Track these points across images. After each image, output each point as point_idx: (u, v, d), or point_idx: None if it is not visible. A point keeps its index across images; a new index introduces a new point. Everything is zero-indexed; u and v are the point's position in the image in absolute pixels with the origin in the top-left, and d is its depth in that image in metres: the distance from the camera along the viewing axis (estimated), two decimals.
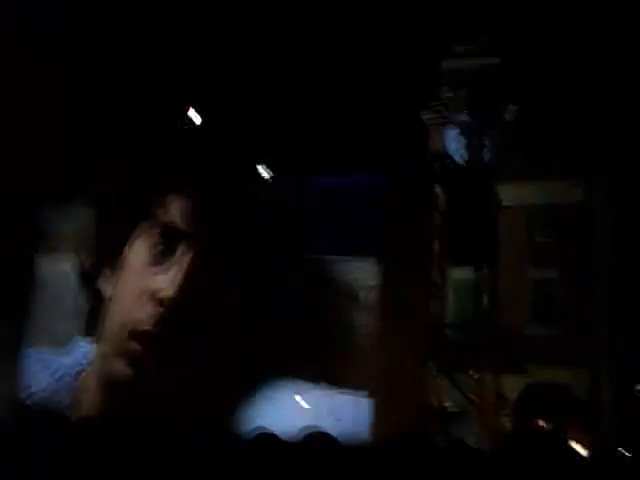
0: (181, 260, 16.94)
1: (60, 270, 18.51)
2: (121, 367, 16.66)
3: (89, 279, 17.59)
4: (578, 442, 16.01)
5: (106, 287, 17.37)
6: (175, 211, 17.08)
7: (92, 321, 17.56)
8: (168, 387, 16.03)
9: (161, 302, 16.49)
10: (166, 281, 16.73)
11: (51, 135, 16.97)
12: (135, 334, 16.58)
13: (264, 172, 18.88)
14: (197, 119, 18.60)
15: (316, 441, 3.82)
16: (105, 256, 17.46)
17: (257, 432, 4.05)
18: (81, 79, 17.03)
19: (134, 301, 16.75)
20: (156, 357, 16.50)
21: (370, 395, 17.04)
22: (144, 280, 16.88)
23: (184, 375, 16.23)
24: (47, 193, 18.02)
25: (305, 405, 17.20)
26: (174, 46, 17.33)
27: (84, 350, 17.69)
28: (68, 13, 16.95)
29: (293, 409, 16.86)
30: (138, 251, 17.16)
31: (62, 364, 17.77)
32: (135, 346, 16.58)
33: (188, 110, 18.59)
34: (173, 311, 16.51)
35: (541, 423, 21.58)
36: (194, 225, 17.00)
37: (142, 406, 14.91)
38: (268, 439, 4.01)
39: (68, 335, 18.12)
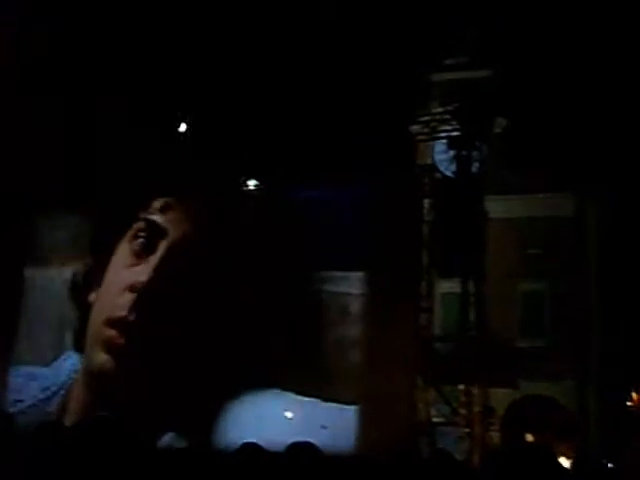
0: (158, 254, 17.13)
1: (49, 285, 18.49)
2: (98, 355, 16.77)
3: (81, 292, 17.65)
4: (565, 454, 16.00)
5: (94, 296, 17.47)
6: (155, 208, 17.25)
7: (81, 334, 17.58)
8: (147, 374, 16.06)
9: (134, 289, 16.67)
10: (142, 272, 16.92)
11: (43, 147, 16.94)
12: (110, 322, 16.74)
13: (250, 182, 18.90)
14: (184, 125, 18.61)
15: (299, 451, 3.80)
16: (96, 270, 17.56)
17: (242, 444, 4.03)
18: (74, 93, 16.99)
19: (114, 295, 16.94)
20: (132, 343, 16.59)
21: (357, 406, 17.01)
22: (124, 276, 17.06)
23: (163, 368, 16.27)
24: (37, 207, 17.99)
25: (292, 415, 17.14)
26: (164, 54, 17.32)
27: (73, 363, 17.69)
28: (64, 20, 16.94)
29: (280, 419, 16.81)
30: (121, 252, 17.32)
31: (52, 378, 17.78)
32: (110, 332, 16.70)
33: (178, 117, 18.60)
34: (147, 297, 16.65)
35: (529, 436, 21.57)
36: (172, 221, 17.17)
37: (123, 401, 14.91)
38: (252, 450, 3.99)
39: (57, 349, 18.12)
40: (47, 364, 18.02)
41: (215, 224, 17.48)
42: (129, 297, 16.75)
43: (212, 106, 17.81)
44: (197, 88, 17.73)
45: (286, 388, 17.43)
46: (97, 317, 17.16)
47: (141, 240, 17.17)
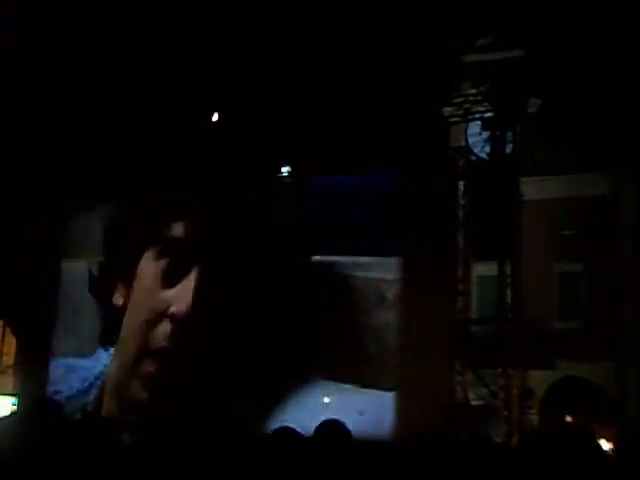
0: (189, 275, 16.94)
1: (86, 279, 18.59)
2: (137, 390, 16.73)
3: (103, 291, 17.63)
4: (605, 436, 15.91)
5: (119, 299, 17.40)
6: (180, 227, 17.05)
7: (108, 332, 17.65)
8: (186, 400, 15.94)
9: (171, 318, 16.52)
10: (174, 297, 16.76)
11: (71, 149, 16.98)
12: (151, 352, 16.62)
13: (283, 173, 18.86)
14: (213, 119, 18.51)
15: (326, 428, 3.82)
16: (118, 269, 17.48)
17: (278, 428, 4.05)
18: (95, 99, 16.95)
19: (147, 320, 16.80)
20: (171, 373, 16.51)
21: (395, 391, 17.01)
22: (157, 300, 16.89)
23: (203, 385, 16.18)
24: (72, 203, 18.05)
25: (330, 402, 17.18)
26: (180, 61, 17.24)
27: (110, 354, 17.82)
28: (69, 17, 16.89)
29: (318, 407, 16.85)
30: (148, 270, 17.14)
31: (90, 369, 17.91)
32: (151, 366, 16.59)
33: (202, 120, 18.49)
34: (184, 326, 16.50)
35: (568, 417, 21.46)
36: (199, 239, 16.97)
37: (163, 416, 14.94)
38: (288, 435, 4.00)
39: (95, 342, 18.24)
40: (87, 356, 18.17)
41: (245, 233, 17.17)
42: (167, 327, 16.59)
43: (240, 102, 17.70)
44: (216, 87, 17.61)
45: (324, 375, 17.47)
46: (133, 343, 17.01)
47: (169, 260, 16.91)
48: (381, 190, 18.51)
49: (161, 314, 16.70)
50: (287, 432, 3.93)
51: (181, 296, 16.67)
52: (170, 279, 16.86)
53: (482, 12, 23.00)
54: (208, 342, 16.34)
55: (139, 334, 16.92)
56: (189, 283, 16.74)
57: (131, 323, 17.13)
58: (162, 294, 16.86)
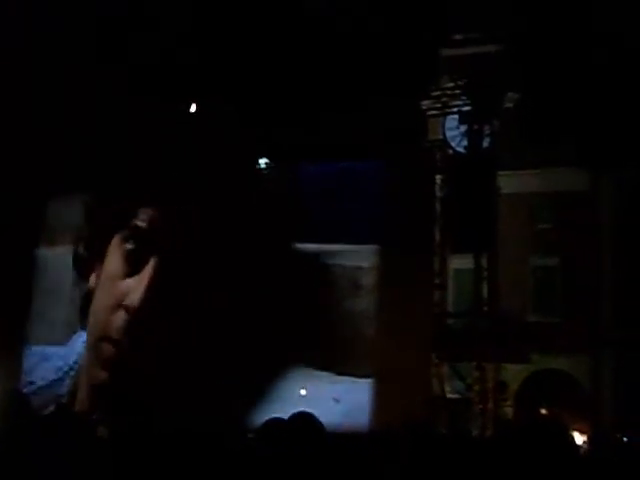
0: (148, 266, 16.87)
1: (62, 264, 18.46)
2: (98, 371, 16.67)
3: (83, 266, 17.53)
4: (579, 429, 16.01)
5: (93, 280, 17.31)
6: (144, 215, 16.95)
7: (84, 314, 17.53)
8: (151, 382, 15.86)
9: (127, 309, 16.47)
10: (132, 287, 16.68)
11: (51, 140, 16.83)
12: (105, 339, 16.58)
13: (262, 161, 18.83)
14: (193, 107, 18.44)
15: (298, 422, 3.79)
16: (94, 252, 17.36)
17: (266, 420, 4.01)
18: (80, 91, 16.81)
19: (107, 308, 16.73)
20: (129, 359, 16.44)
21: (371, 381, 17.04)
22: (117, 288, 16.81)
23: (168, 375, 16.11)
24: (47, 188, 17.91)
25: (307, 391, 17.20)
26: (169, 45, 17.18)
27: (84, 341, 17.68)
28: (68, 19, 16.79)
29: (294, 395, 16.87)
30: (112, 261, 17.05)
31: (64, 357, 17.77)
32: (106, 350, 16.55)
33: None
34: (139, 319, 16.43)
35: (542, 410, 21.58)
36: (162, 230, 16.88)
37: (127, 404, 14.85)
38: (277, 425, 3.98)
39: (70, 328, 18.10)
40: (61, 343, 18.03)
41: (214, 220, 17.03)
42: (122, 317, 16.53)
43: (221, 93, 17.65)
44: (206, 74, 17.56)
45: (300, 363, 17.47)
46: (93, 330, 16.99)
47: (131, 247, 16.83)
48: (360, 180, 18.53)
49: (118, 303, 16.64)
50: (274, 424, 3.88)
51: (137, 287, 16.59)
52: (131, 267, 16.76)
53: (462, 7, 23.04)
54: (168, 333, 16.29)
55: (99, 320, 16.86)
56: (146, 274, 16.66)
57: (96, 307, 17.07)
58: (122, 282, 16.78)
